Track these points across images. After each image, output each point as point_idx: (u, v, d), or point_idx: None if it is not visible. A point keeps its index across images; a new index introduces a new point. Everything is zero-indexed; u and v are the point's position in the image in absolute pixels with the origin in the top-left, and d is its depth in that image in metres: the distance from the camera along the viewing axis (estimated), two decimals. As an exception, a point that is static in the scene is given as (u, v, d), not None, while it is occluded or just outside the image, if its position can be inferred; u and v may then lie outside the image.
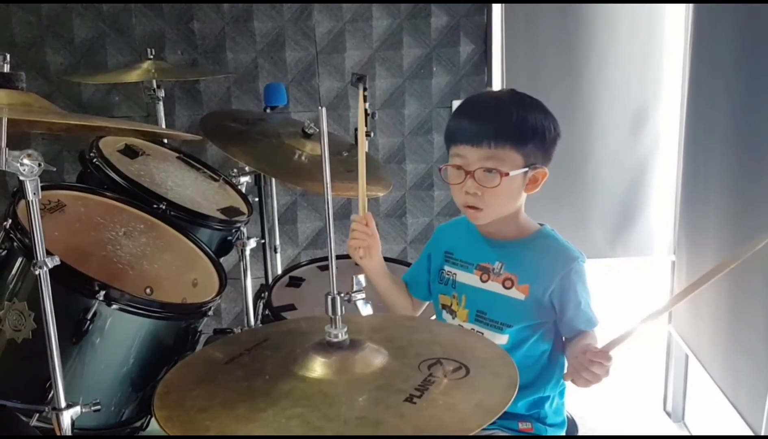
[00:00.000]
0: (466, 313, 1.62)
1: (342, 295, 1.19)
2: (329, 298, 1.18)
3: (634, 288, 3.72)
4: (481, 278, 1.61)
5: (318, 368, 1.16)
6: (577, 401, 1.66)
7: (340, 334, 1.18)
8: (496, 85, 3.09)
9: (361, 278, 1.22)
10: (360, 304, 1.22)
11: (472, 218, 1.58)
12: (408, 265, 2.39)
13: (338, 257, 1.26)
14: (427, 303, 1.81)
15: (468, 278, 1.63)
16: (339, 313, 1.18)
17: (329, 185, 1.17)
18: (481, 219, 1.58)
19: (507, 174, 1.49)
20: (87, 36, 3.00)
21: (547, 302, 1.54)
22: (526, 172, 1.52)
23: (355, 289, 1.21)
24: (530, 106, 1.55)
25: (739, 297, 2.21)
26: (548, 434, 1.61)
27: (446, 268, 1.67)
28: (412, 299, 1.79)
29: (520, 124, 1.51)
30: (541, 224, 1.64)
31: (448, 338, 1.32)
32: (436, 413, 1.05)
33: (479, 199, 1.52)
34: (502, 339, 1.55)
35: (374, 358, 1.18)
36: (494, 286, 1.58)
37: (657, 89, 2.96)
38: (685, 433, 2.76)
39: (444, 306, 1.68)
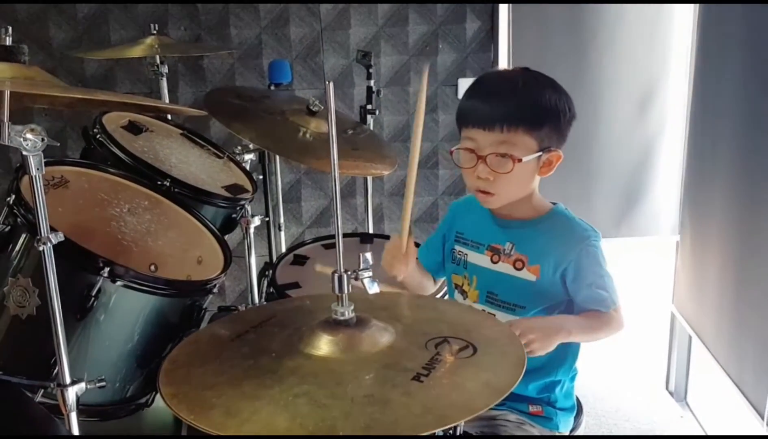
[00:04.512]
0: (477, 294, 1.61)
1: (349, 273, 1.18)
2: (336, 276, 1.17)
3: (639, 268, 3.72)
4: (491, 259, 1.59)
5: (324, 345, 1.15)
6: (580, 379, 1.66)
7: (347, 312, 1.18)
8: (502, 63, 3.06)
9: (368, 255, 1.21)
10: (367, 282, 1.20)
11: (484, 203, 1.56)
12: (415, 245, 2.38)
13: (344, 236, 1.24)
14: (442, 280, 1.80)
15: (479, 258, 1.61)
16: (346, 290, 1.17)
17: (336, 163, 1.15)
18: (493, 203, 1.55)
19: (520, 160, 1.45)
20: (90, 11, 2.98)
21: (558, 282, 1.51)
22: (540, 156, 1.49)
23: (362, 267, 1.20)
24: (544, 86, 1.50)
25: (744, 278, 2.21)
26: (558, 417, 1.60)
27: (457, 247, 1.66)
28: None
29: (534, 107, 1.46)
30: (554, 203, 1.61)
31: (455, 317, 1.32)
32: (443, 392, 1.05)
33: (491, 185, 1.49)
34: None
35: (381, 336, 1.17)
36: (505, 267, 1.57)
37: (664, 68, 2.94)
38: (687, 412, 2.78)
39: (456, 286, 1.67)
